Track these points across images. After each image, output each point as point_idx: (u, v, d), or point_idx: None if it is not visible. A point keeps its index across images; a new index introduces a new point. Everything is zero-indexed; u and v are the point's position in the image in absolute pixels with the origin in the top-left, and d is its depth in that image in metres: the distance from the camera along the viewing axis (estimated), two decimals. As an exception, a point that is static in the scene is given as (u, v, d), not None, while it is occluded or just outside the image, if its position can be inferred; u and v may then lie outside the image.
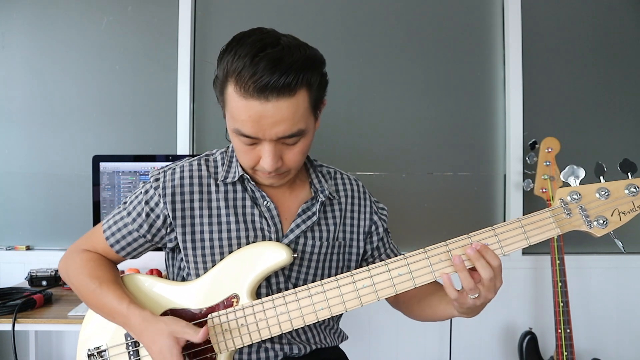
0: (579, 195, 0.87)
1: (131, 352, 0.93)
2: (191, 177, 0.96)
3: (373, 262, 1.09)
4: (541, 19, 2.01)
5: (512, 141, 1.97)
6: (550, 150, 1.75)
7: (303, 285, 0.93)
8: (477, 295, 0.83)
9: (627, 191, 0.87)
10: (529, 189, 1.78)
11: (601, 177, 0.89)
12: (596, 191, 0.87)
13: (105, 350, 0.94)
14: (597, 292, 1.99)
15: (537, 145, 1.77)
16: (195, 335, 0.84)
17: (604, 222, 0.86)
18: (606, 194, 0.87)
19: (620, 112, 2.04)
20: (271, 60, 0.79)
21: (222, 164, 0.99)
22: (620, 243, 0.89)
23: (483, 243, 0.85)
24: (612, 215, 0.86)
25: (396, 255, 1.10)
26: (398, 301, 1.09)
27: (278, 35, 0.85)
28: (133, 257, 1.01)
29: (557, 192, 0.88)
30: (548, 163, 1.75)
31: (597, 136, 2.03)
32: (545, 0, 2.01)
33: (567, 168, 0.90)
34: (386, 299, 0.96)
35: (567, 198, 0.88)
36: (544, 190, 1.75)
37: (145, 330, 0.87)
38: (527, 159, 1.79)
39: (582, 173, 0.89)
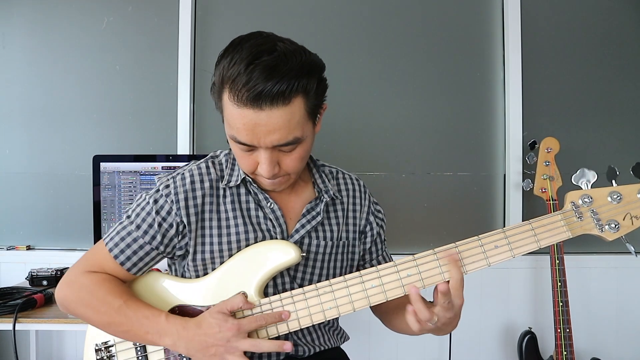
0: (591, 198, 0.86)
1: (138, 348, 0.93)
2: (201, 180, 0.95)
3: (364, 267, 1.08)
4: (541, 19, 2.01)
5: (511, 141, 1.97)
6: (549, 150, 1.75)
7: (308, 285, 0.92)
8: (436, 319, 0.83)
9: (639, 195, 0.86)
10: (528, 189, 1.78)
11: (613, 181, 0.87)
12: (608, 195, 0.86)
13: (112, 346, 0.94)
14: (596, 292, 1.99)
15: (536, 145, 1.77)
16: (238, 298, 0.85)
17: (615, 226, 0.85)
18: (618, 197, 0.85)
19: (621, 112, 2.04)
20: (266, 68, 0.78)
21: (227, 167, 0.99)
22: (632, 247, 0.87)
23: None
24: (624, 220, 0.85)
25: None
26: (379, 311, 1.08)
27: (275, 40, 0.83)
28: (143, 273, 0.96)
29: (568, 195, 0.87)
30: (548, 163, 1.75)
31: (597, 136, 2.03)
32: (545, 0, 2.02)
33: (578, 171, 0.88)
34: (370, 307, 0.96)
35: (578, 201, 0.87)
36: (544, 190, 1.75)
37: (190, 334, 0.84)
38: (526, 159, 1.79)
39: (593, 176, 0.88)
